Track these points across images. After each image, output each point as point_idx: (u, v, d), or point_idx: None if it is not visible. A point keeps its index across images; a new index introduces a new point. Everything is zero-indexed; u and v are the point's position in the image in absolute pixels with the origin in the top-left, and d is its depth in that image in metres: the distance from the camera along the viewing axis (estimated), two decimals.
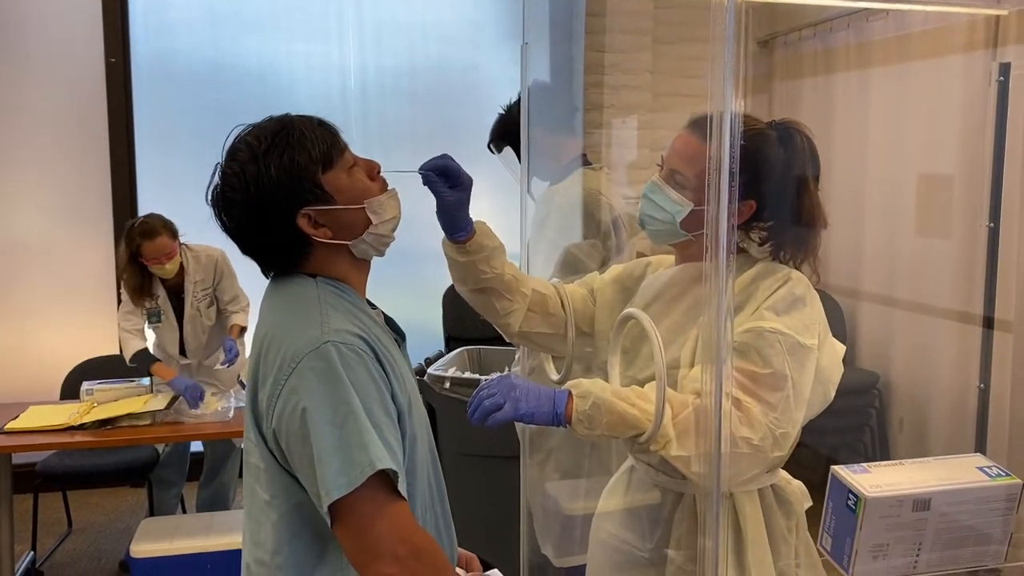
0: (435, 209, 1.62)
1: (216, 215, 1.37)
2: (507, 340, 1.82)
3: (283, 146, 1.31)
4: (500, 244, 1.71)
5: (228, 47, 4.57)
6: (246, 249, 1.39)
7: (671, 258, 1.69)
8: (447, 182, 1.58)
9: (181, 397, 3.41)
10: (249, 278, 3.61)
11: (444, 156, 1.59)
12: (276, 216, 1.32)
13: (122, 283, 3.48)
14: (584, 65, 4.48)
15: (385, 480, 1.23)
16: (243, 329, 3.59)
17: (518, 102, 2.45)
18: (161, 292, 3.53)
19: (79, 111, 4.40)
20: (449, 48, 4.71)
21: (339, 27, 4.65)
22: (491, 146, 2.69)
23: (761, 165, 1.51)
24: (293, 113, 1.39)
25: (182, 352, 3.63)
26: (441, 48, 4.71)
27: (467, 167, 1.62)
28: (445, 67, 4.68)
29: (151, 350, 3.55)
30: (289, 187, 1.31)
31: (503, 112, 2.68)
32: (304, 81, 4.64)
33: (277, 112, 1.39)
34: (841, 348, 1.56)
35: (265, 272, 1.43)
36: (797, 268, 1.55)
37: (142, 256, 3.36)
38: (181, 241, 3.52)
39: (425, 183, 1.58)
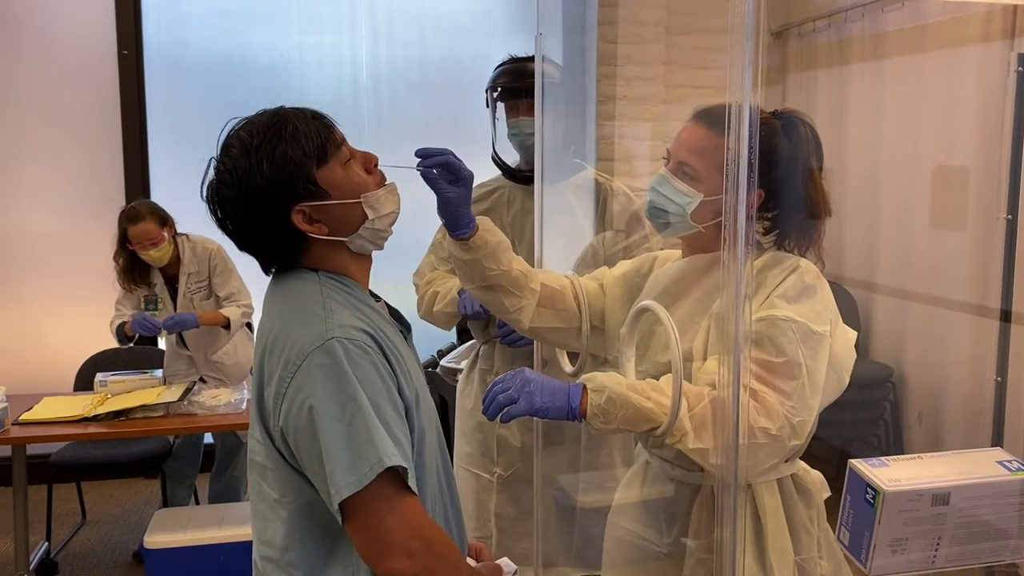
0: (436, 206, 1.60)
1: (211, 211, 1.35)
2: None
3: (275, 141, 1.29)
4: (504, 239, 1.69)
5: (240, 39, 4.56)
6: (243, 246, 1.37)
7: (678, 252, 1.68)
8: (449, 178, 1.57)
9: (195, 388, 3.42)
10: (252, 272, 3.61)
11: (445, 151, 1.57)
12: (270, 212, 1.30)
13: (115, 265, 3.51)
14: (597, 56, 4.45)
15: (395, 476, 1.23)
16: (228, 321, 3.53)
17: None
18: (159, 280, 3.56)
19: (92, 103, 4.41)
20: (461, 39, 4.70)
21: (351, 19, 4.64)
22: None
23: (767, 154, 1.50)
24: (302, 105, 1.37)
25: (182, 342, 3.64)
26: (453, 39, 4.70)
27: (478, 160, 1.61)
28: (457, 58, 4.67)
29: (161, 342, 3.58)
30: (282, 183, 1.29)
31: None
32: (316, 73, 4.64)
33: (290, 105, 1.37)
34: (853, 334, 1.56)
35: (265, 269, 1.41)
36: (801, 256, 1.55)
37: (128, 240, 3.39)
38: (181, 231, 3.54)
39: (425, 179, 1.56)
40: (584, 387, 1.42)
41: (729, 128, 1.23)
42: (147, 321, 3.42)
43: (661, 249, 1.80)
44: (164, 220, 3.45)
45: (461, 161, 1.58)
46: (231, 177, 1.30)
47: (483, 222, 1.66)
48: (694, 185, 1.54)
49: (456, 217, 1.62)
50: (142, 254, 3.42)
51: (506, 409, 1.41)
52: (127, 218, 3.40)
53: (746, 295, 1.27)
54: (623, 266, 1.79)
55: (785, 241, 1.57)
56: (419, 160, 1.55)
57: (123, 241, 3.42)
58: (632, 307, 1.63)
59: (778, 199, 1.54)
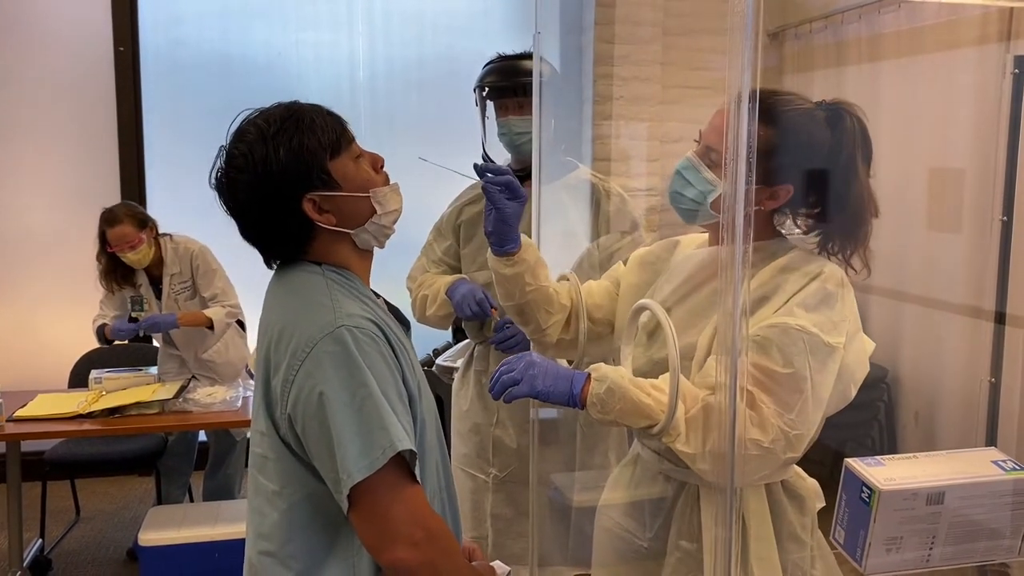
0: (487, 225, 1.65)
1: (220, 197, 1.37)
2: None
3: (293, 130, 1.32)
4: (542, 257, 1.73)
5: (237, 37, 4.56)
6: (248, 233, 1.39)
7: (701, 237, 1.66)
8: (507, 195, 1.62)
9: (190, 385, 3.42)
10: (248, 272, 3.59)
11: (507, 171, 1.63)
12: (281, 199, 1.33)
13: (97, 266, 3.50)
14: (594, 56, 4.46)
15: (402, 463, 1.25)
16: (211, 321, 3.49)
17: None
18: (144, 280, 3.54)
19: (88, 100, 4.41)
20: (458, 38, 4.70)
21: (349, 17, 4.64)
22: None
23: (805, 147, 1.46)
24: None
25: (170, 342, 3.64)
26: (450, 38, 4.70)
27: (473, 160, 1.64)
28: (454, 57, 4.67)
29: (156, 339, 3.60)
30: (297, 170, 1.32)
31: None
32: (313, 71, 4.64)
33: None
34: (871, 345, 1.52)
35: (267, 262, 1.43)
36: (846, 260, 1.50)
37: (108, 243, 3.38)
38: (164, 232, 3.52)
39: (487, 193, 1.62)
40: (588, 375, 1.43)
41: (728, 127, 1.22)
42: (122, 329, 3.41)
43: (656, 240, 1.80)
44: (143, 223, 3.42)
45: (516, 180, 1.63)
46: (246, 162, 1.32)
47: (526, 240, 1.69)
48: (718, 172, 1.48)
49: (508, 232, 1.65)
50: (121, 256, 3.41)
51: (509, 390, 1.43)
52: (105, 220, 3.39)
53: (745, 302, 1.25)
54: (639, 253, 1.77)
55: (828, 243, 1.51)
56: (482, 174, 1.62)
57: (103, 243, 3.41)
58: (647, 294, 1.63)
59: (818, 196, 1.49)
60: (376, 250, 1.46)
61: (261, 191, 1.33)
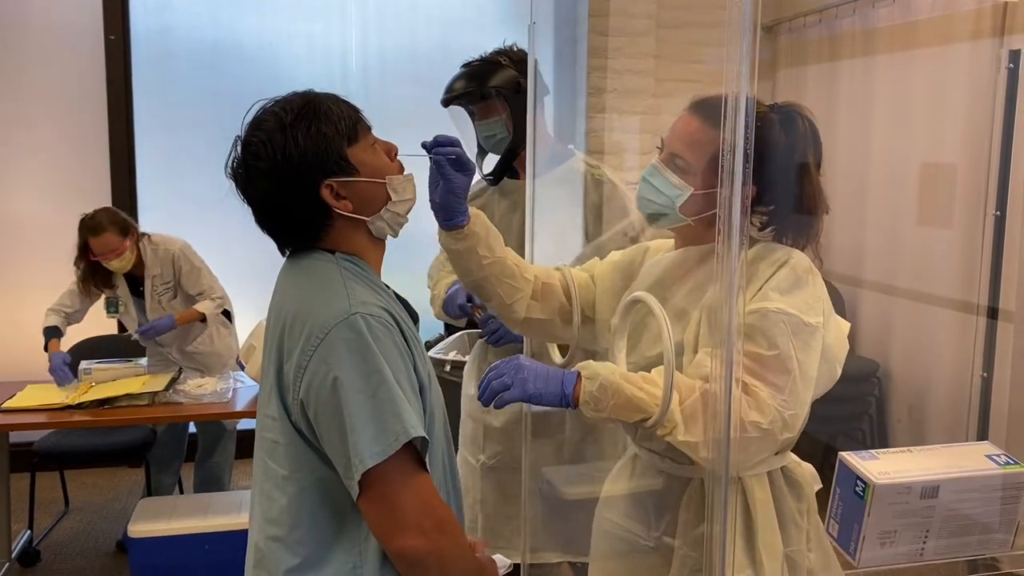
0: (434, 196, 1.62)
1: (237, 186, 1.37)
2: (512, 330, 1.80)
3: (310, 117, 1.34)
4: (495, 230, 1.70)
5: (228, 26, 4.53)
6: (265, 221, 1.39)
7: (670, 242, 1.68)
8: (456, 166, 1.60)
9: (180, 377, 3.41)
10: (236, 255, 3.56)
11: (456, 141, 1.60)
12: (300, 186, 1.33)
13: (75, 270, 3.46)
14: (587, 48, 4.45)
15: (413, 451, 1.25)
16: (202, 316, 3.51)
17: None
18: (121, 282, 3.52)
19: (78, 88, 4.37)
20: (451, 30, 4.68)
21: (341, 8, 4.61)
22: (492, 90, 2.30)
23: (761, 149, 1.49)
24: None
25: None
26: (444, 30, 4.68)
27: (469, 152, 1.62)
28: (447, 49, 4.65)
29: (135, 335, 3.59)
30: (315, 157, 1.33)
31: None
32: (305, 62, 4.61)
33: (276, 93, 1.40)
34: (846, 325, 1.55)
35: (281, 249, 1.44)
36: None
37: (90, 250, 3.35)
38: (144, 232, 3.50)
39: (435, 163, 1.59)
40: (578, 374, 1.42)
41: (725, 120, 1.22)
42: (62, 371, 3.35)
43: (651, 240, 1.80)
44: (126, 230, 3.38)
45: (466, 154, 1.61)
46: (265, 150, 1.33)
47: (475, 212, 1.67)
48: (685, 178, 1.52)
49: (455, 206, 1.63)
50: (104, 264, 3.38)
51: (500, 395, 1.42)
52: (88, 228, 3.34)
53: (740, 287, 1.26)
54: (614, 256, 1.79)
55: (782, 238, 1.55)
56: (434, 147, 1.59)
57: (84, 249, 3.38)
58: (623, 298, 1.63)
59: (773, 195, 1.52)
60: (393, 237, 1.47)
61: (279, 178, 1.33)
